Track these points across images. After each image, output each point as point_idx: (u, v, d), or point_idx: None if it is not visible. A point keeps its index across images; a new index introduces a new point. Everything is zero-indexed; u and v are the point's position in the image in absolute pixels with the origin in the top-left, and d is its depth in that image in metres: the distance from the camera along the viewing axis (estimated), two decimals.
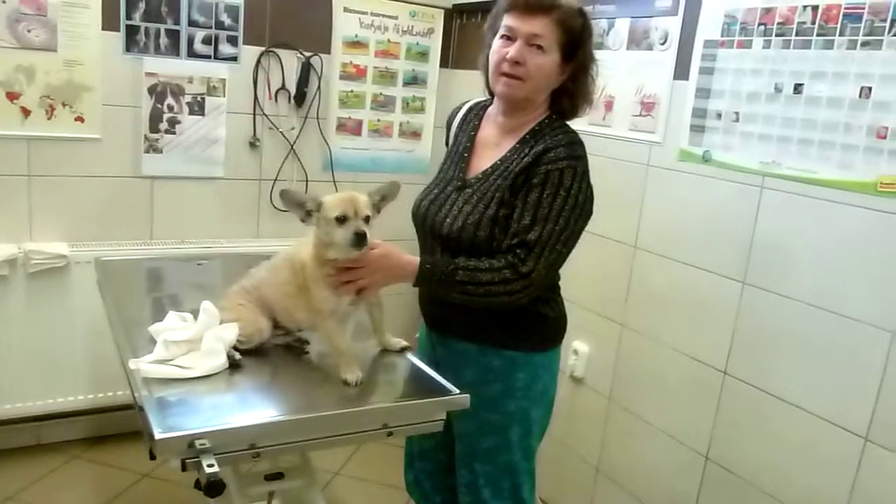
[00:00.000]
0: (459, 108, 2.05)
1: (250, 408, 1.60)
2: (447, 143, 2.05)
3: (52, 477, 2.90)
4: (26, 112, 2.78)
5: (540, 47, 1.73)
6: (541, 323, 1.88)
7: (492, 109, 1.94)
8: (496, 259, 1.72)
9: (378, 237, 1.74)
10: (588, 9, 1.82)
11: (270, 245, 2.97)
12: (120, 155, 3.00)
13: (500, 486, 1.93)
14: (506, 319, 1.82)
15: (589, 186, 1.77)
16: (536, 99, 1.81)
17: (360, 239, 1.66)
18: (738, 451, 2.26)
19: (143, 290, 2.46)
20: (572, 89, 1.82)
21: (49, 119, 2.82)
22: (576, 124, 1.86)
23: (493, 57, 1.79)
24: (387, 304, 1.89)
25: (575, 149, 1.76)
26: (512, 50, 1.74)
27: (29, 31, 2.71)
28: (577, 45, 1.76)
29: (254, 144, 3.24)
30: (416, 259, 1.76)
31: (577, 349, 2.84)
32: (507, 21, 1.76)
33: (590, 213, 1.79)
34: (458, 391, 1.70)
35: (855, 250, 1.94)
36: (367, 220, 1.68)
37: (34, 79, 2.76)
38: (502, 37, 1.77)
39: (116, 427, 3.13)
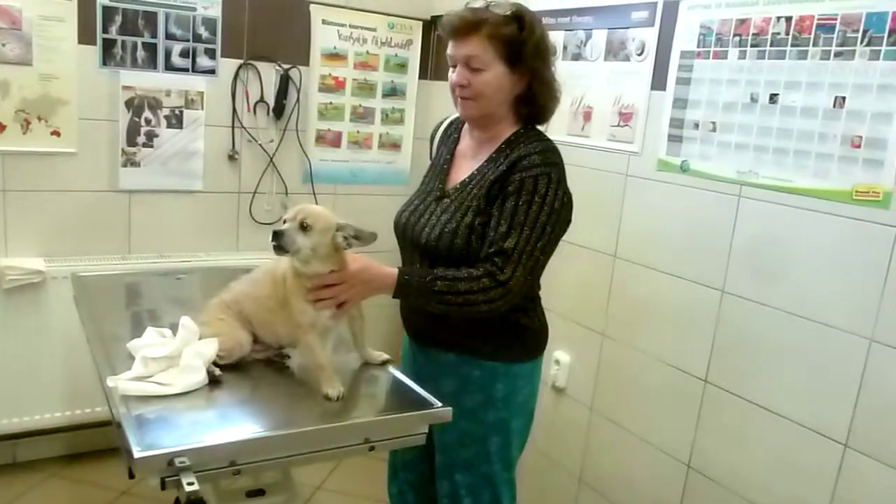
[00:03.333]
0: (442, 121, 2.06)
1: (230, 424, 1.58)
2: (431, 157, 2.05)
3: (28, 495, 2.85)
4: (1, 127, 2.75)
5: (479, 67, 1.75)
6: (520, 334, 1.88)
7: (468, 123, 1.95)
8: (474, 268, 1.72)
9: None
10: (524, 9, 1.78)
11: (250, 258, 2.97)
12: (97, 169, 2.97)
13: (480, 497, 1.92)
14: (485, 330, 1.82)
15: (566, 193, 1.77)
16: (497, 112, 1.83)
17: (273, 236, 1.65)
18: (720, 460, 2.27)
19: (120, 305, 2.44)
20: (529, 94, 1.81)
21: (24, 133, 2.79)
22: (554, 135, 1.88)
23: (449, 83, 1.83)
24: (369, 316, 1.89)
25: (549, 156, 1.77)
26: (455, 75, 1.79)
27: (3, 45, 2.68)
28: (518, 51, 1.75)
29: (232, 157, 3.23)
30: (395, 271, 1.75)
31: (558, 359, 2.84)
32: (448, 49, 1.80)
33: (568, 220, 1.80)
34: (440, 404, 1.69)
35: (832, 258, 1.96)
36: (304, 227, 1.65)
37: (9, 93, 2.73)
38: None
39: (94, 444, 3.09)
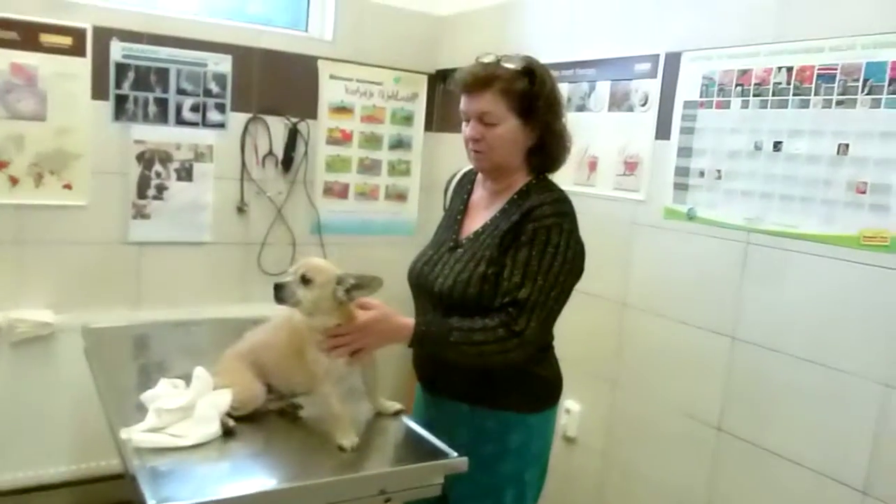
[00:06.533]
0: (456, 173, 2.09)
1: (244, 476, 1.57)
2: (445, 207, 2.07)
3: None
4: (14, 180, 2.79)
5: (492, 122, 1.77)
6: (533, 383, 1.87)
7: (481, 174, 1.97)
8: (489, 318, 1.72)
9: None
10: (535, 62, 1.80)
11: (258, 309, 2.95)
12: (107, 221, 3.00)
13: None
14: (498, 379, 1.82)
15: (578, 243, 1.79)
16: (511, 163, 1.85)
17: (275, 289, 1.68)
18: None
19: (130, 357, 2.43)
20: (541, 145, 1.83)
21: (37, 187, 2.83)
22: (560, 184, 1.89)
23: (462, 136, 1.85)
24: (381, 365, 1.88)
25: (561, 206, 1.79)
26: (469, 130, 1.81)
27: (18, 101, 2.74)
28: (530, 104, 1.78)
29: (241, 209, 3.26)
30: (411, 321, 1.75)
31: (568, 408, 2.83)
32: (461, 104, 1.83)
33: (580, 269, 1.81)
34: (455, 454, 1.68)
35: (841, 303, 1.97)
36: (305, 281, 1.68)
37: (23, 147, 2.77)
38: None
39: (101, 498, 3.03)
